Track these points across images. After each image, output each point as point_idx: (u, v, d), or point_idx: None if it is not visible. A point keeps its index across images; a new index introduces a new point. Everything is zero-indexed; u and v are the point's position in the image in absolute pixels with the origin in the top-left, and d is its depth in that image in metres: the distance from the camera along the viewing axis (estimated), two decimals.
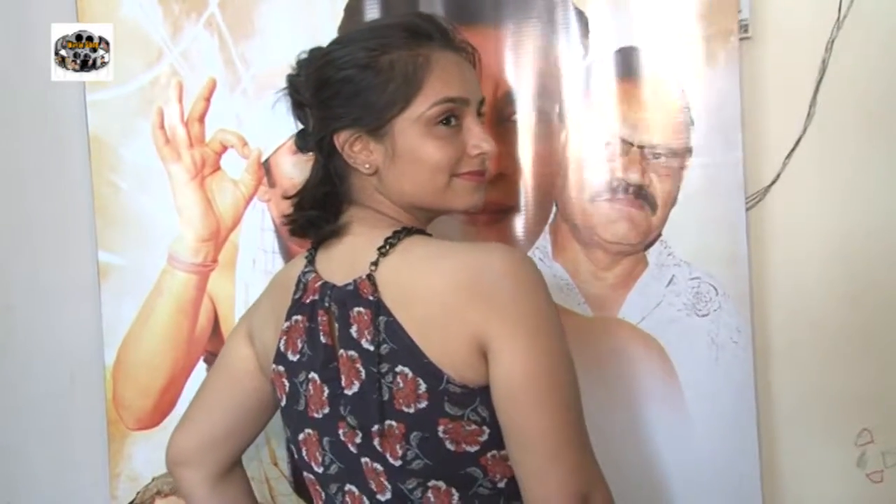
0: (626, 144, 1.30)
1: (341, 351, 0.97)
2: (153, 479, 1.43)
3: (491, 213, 1.34)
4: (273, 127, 1.37)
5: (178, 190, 1.42)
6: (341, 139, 1.01)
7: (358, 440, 0.97)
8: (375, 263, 0.97)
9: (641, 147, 1.30)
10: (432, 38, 1.02)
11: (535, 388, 0.89)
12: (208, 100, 1.41)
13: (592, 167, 1.32)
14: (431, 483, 0.94)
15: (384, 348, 0.94)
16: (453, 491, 0.94)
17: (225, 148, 1.41)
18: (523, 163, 1.33)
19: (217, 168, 1.41)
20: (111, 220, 1.44)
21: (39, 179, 1.50)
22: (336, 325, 0.98)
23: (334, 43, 1.06)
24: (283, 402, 1.05)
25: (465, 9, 1.32)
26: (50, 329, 1.51)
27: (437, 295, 0.92)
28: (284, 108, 1.38)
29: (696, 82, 1.28)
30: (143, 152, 1.42)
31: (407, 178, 1.00)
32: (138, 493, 1.44)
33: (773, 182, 1.32)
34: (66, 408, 1.51)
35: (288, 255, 1.40)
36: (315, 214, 1.04)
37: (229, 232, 1.42)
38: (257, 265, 1.41)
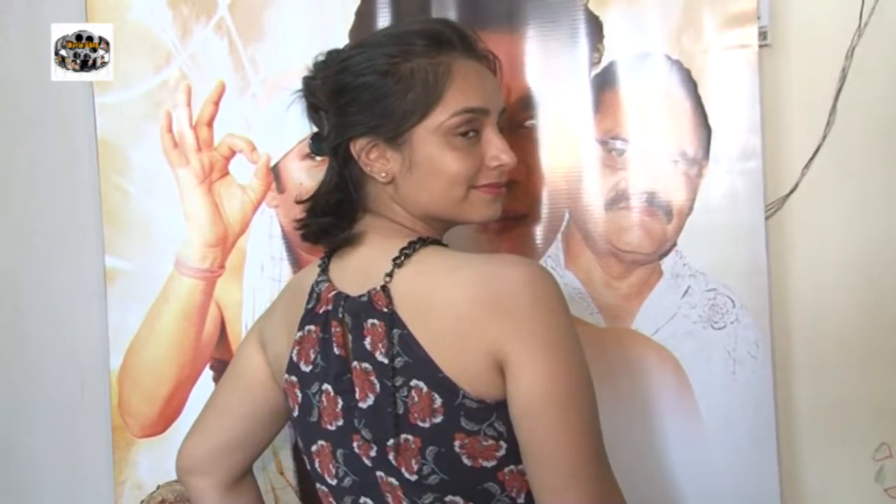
0: (641, 151, 1.28)
1: (355, 363, 0.95)
2: (158, 488, 1.41)
3: (503, 221, 1.31)
4: (282, 132, 1.37)
5: (186, 195, 1.40)
6: (357, 146, 0.99)
7: (373, 453, 0.95)
8: (390, 274, 0.95)
9: (657, 154, 1.27)
10: (454, 46, 0.99)
11: (554, 406, 0.87)
12: (217, 104, 1.39)
13: (606, 174, 1.29)
14: (448, 498, 0.92)
15: (398, 361, 0.92)
16: None
17: (233, 152, 1.39)
18: (536, 170, 1.31)
19: (225, 173, 1.40)
20: (119, 225, 1.42)
21: (48, 183, 1.49)
22: (350, 337, 0.97)
23: (354, 47, 1.04)
24: (296, 413, 1.04)
25: (478, 13, 1.30)
26: (57, 334, 1.49)
27: (453, 308, 0.90)
28: (293, 112, 1.37)
29: (714, 89, 1.26)
30: (151, 156, 1.41)
31: (424, 188, 0.99)
32: (143, 501, 1.42)
33: (792, 191, 1.30)
34: (74, 413, 1.50)
35: (296, 262, 1.38)
36: (328, 222, 1.02)
37: (237, 237, 1.40)
38: (265, 271, 1.39)
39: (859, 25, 1.25)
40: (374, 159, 0.99)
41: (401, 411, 0.92)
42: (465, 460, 0.91)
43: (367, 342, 0.94)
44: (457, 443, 0.91)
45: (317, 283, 1.02)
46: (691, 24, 1.26)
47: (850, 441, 1.31)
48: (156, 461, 1.42)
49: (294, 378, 1.03)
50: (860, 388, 1.30)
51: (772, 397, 1.26)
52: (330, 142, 1.02)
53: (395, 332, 0.92)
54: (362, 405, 0.95)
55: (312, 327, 1.00)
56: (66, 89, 1.45)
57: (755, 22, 1.24)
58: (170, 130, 1.40)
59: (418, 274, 0.94)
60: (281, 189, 1.38)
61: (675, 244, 1.28)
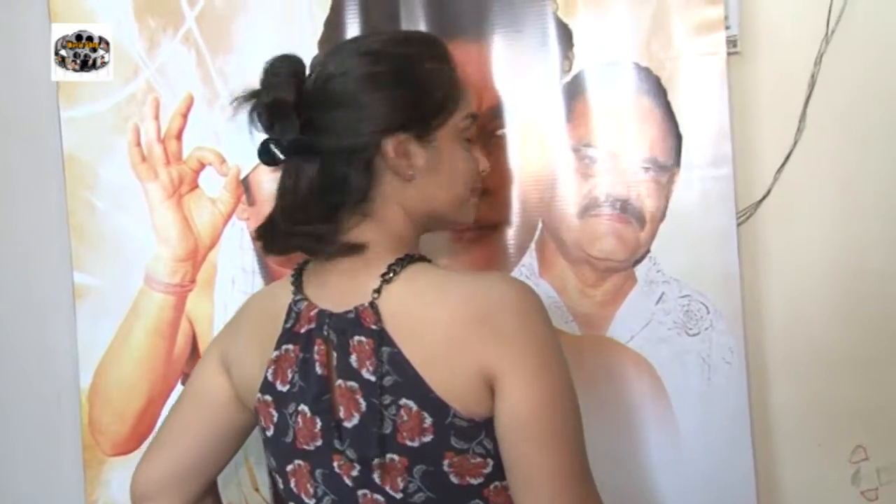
0: (613, 159, 1.28)
1: (340, 381, 0.93)
2: None
3: (477, 230, 1.30)
4: (251, 143, 1.35)
5: (155, 209, 1.38)
6: (393, 143, 0.96)
7: (355, 473, 0.93)
8: (378, 291, 0.93)
9: (628, 161, 1.27)
10: (449, 56, 1.03)
11: (541, 423, 0.88)
12: (185, 116, 1.37)
13: (578, 182, 1.29)
14: None
15: (387, 380, 0.90)
16: None
17: (203, 165, 1.38)
18: (508, 178, 1.30)
19: (195, 186, 1.38)
20: (87, 241, 1.40)
21: (14, 199, 1.47)
22: (334, 355, 0.94)
23: (362, 46, 1.02)
24: (271, 433, 1.00)
25: (447, 22, 1.30)
26: (26, 352, 1.47)
27: (443, 327, 0.90)
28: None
29: (684, 96, 1.26)
30: (119, 171, 1.39)
31: (443, 187, 1.00)
32: None
33: (764, 197, 1.30)
34: (45, 432, 1.48)
35: (268, 275, 1.37)
36: (326, 229, 0.96)
37: (207, 251, 1.38)
38: (236, 285, 1.38)
39: (826, 33, 1.26)
40: (404, 156, 0.97)
41: (388, 430, 0.90)
42: (453, 478, 0.91)
43: (353, 359, 0.92)
44: (446, 461, 0.90)
45: (294, 301, 0.99)
46: (660, 32, 1.26)
47: (826, 444, 1.31)
48: (128, 479, 1.34)
49: (269, 397, 0.99)
50: (835, 391, 1.30)
51: (747, 402, 1.26)
52: (345, 139, 0.95)
53: (385, 350, 0.91)
54: (346, 424, 0.93)
55: (291, 346, 0.97)
56: (31, 103, 1.44)
57: (723, 29, 1.24)
58: (138, 144, 1.38)
59: (408, 292, 0.93)
60: (251, 201, 1.37)
61: (648, 251, 1.28)
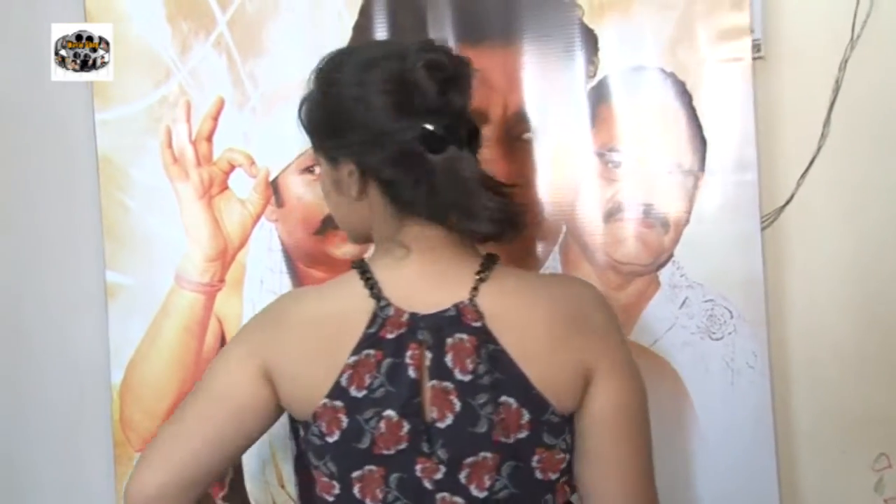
0: (637, 163, 1.29)
1: (433, 382, 0.93)
2: None
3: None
4: (281, 146, 1.37)
5: (186, 209, 1.41)
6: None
7: (439, 476, 0.93)
8: (476, 289, 0.95)
9: (653, 166, 1.28)
10: None
11: (629, 417, 0.96)
12: (216, 119, 1.40)
13: (603, 187, 1.30)
14: None
15: (487, 378, 0.92)
16: None
17: (233, 167, 1.40)
18: (532, 183, 1.31)
19: (225, 187, 1.41)
20: (119, 240, 1.43)
21: (49, 199, 1.49)
22: (428, 356, 0.93)
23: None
24: (334, 438, 0.95)
25: (474, 27, 1.31)
26: (59, 349, 1.50)
27: (545, 325, 0.94)
28: (292, 127, 1.37)
29: (709, 102, 1.27)
30: (151, 171, 1.41)
31: None
32: None
33: (788, 202, 1.30)
34: (76, 428, 1.50)
35: (296, 276, 1.39)
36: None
37: (237, 252, 1.41)
38: (265, 285, 1.40)
39: (852, 38, 1.26)
40: None
41: (483, 429, 0.92)
42: (538, 474, 0.94)
43: (449, 359, 0.93)
44: (535, 457, 0.94)
45: (381, 307, 0.95)
46: (685, 37, 1.27)
47: (849, 451, 1.31)
48: None
49: (339, 403, 0.95)
50: (859, 398, 1.30)
51: (770, 407, 1.27)
52: (465, 126, 0.96)
53: (488, 347, 0.93)
54: (439, 425, 0.93)
55: (373, 351, 0.94)
56: (66, 106, 1.46)
57: (749, 35, 1.25)
58: (169, 146, 1.41)
59: (502, 290, 0.96)
60: (280, 203, 1.39)
61: (672, 255, 1.29)
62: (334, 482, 0.96)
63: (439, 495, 0.94)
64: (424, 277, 0.97)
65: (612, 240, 1.30)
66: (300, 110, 1.02)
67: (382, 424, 0.93)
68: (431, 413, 0.93)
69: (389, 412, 0.93)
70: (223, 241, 1.41)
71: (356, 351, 0.94)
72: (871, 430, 1.30)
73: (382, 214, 0.98)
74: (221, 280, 1.41)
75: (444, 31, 1.31)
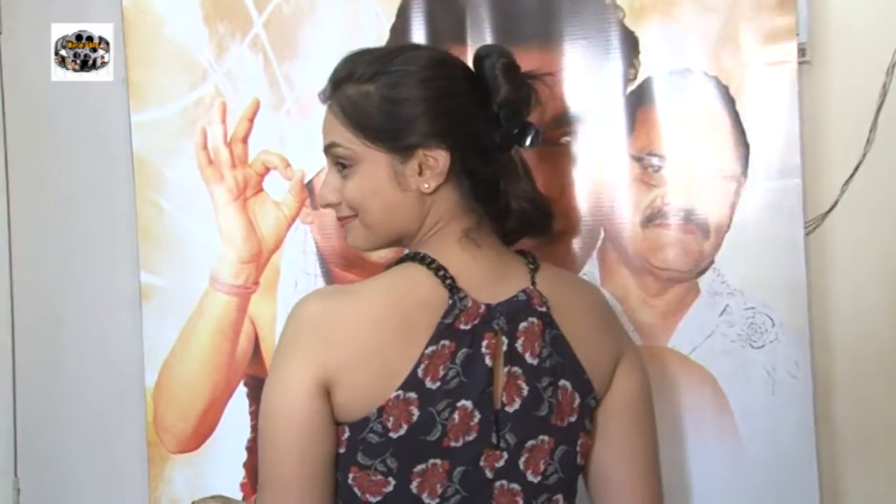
0: (678, 168, 1.27)
1: (506, 368, 0.96)
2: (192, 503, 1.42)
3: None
4: (316, 148, 1.35)
5: (221, 211, 1.41)
6: None
7: (500, 463, 0.95)
8: (533, 278, 1.00)
9: (694, 171, 1.26)
10: None
11: (648, 402, 1.05)
12: (252, 120, 1.39)
13: (642, 191, 1.28)
14: (555, 497, 0.99)
15: (549, 362, 0.96)
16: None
17: (268, 169, 1.40)
18: (571, 186, 1.30)
19: (259, 189, 1.40)
20: (154, 241, 1.43)
21: (84, 200, 1.50)
22: (504, 342, 0.96)
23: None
24: (401, 433, 0.92)
25: (513, 28, 1.30)
26: (93, 349, 1.51)
27: (592, 312, 1.03)
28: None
29: (753, 106, 1.24)
30: (186, 173, 1.41)
31: None
32: None
33: (832, 209, 1.28)
34: (109, 429, 1.51)
35: (330, 278, 1.38)
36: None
37: (271, 254, 1.40)
38: (299, 287, 1.39)
39: None
40: None
41: (544, 413, 0.96)
42: (579, 459, 1.00)
43: (519, 344, 0.96)
44: (579, 442, 0.99)
45: (459, 298, 0.95)
46: (730, 41, 1.24)
47: (892, 463, 1.28)
48: (191, 476, 1.42)
49: (413, 395, 0.93)
50: None
51: (812, 419, 1.24)
52: (532, 128, 1.01)
53: (550, 332, 0.97)
54: (508, 409, 0.95)
55: (447, 342, 0.94)
56: (102, 107, 1.47)
57: (794, 38, 1.23)
58: (205, 147, 1.41)
59: (553, 280, 1.01)
60: (315, 206, 1.38)
61: (712, 262, 1.27)
62: (390, 479, 0.93)
63: (497, 483, 0.96)
64: (494, 269, 0.99)
65: (651, 245, 1.28)
66: (348, 107, 0.99)
67: (456, 415, 0.93)
68: (502, 398, 0.95)
69: (464, 402, 0.94)
70: (257, 243, 1.40)
71: (433, 341, 0.93)
72: None
73: (452, 208, 0.99)
74: (256, 282, 1.40)
75: (482, 33, 1.30)
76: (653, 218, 1.28)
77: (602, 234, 1.30)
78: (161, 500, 1.44)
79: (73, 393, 1.52)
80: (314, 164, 1.37)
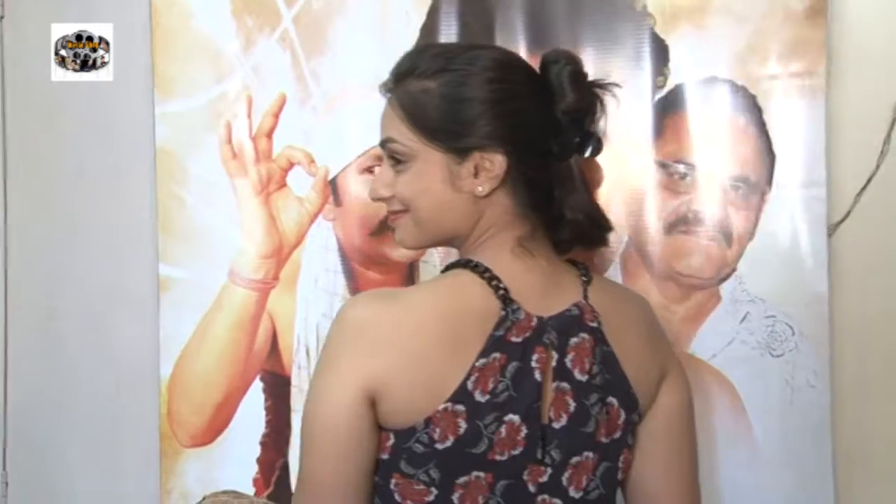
0: (704, 176, 1.28)
1: (555, 383, 0.93)
2: (204, 498, 1.39)
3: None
4: (341, 145, 1.37)
5: (243, 205, 1.40)
6: None
7: (544, 479, 0.93)
8: (586, 291, 0.98)
9: (719, 179, 1.27)
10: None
11: (691, 418, 1.04)
12: (277, 116, 1.39)
13: (667, 198, 1.29)
14: None
15: (598, 379, 0.95)
16: None
17: (292, 165, 1.40)
18: (596, 191, 1.30)
19: (283, 185, 1.40)
20: (174, 233, 1.43)
21: (104, 190, 1.49)
22: (554, 356, 0.93)
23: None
24: (447, 444, 0.90)
25: (543, 34, 1.31)
26: (108, 340, 1.50)
27: (638, 326, 1.01)
28: (353, 126, 1.38)
29: (779, 116, 1.26)
30: (209, 166, 1.41)
31: None
32: None
33: (843, 219, 1.29)
34: (123, 421, 1.50)
35: (351, 276, 1.38)
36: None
37: (292, 250, 1.40)
38: (319, 284, 1.39)
39: None
40: None
41: (590, 429, 0.94)
42: (619, 475, 0.99)
43: (569, 360, 0.94)
44: (622, 458, 0.98)
45: (513, 310, 0.93)
46: (758, 50, 1.26)
47: None
48: (203, 471, 1.42)
49: (461, 407, 0.91)
50: None
51: (829, 426, 1.25)
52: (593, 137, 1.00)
53: (601, 348, 0.95)
54: (555, 425, 0.93)
55: (498, 355, 0.92)
56: (125, 97, 1.46)
57: (823, 50, 1.24)
58: (229, 141, 1.40)
59: (605, 294, 0.99)
60: (338, 202, 1.38)
61: (734, 270, 1.28)
62: (432, 489, 0.92)
63: (539, 497, 0.94)
64: (546, 280, 0.97)
65: (674, 251, 1.29)
66: (407, 102, 0.97)
67: (503, 429, 0.91)
68: (549, 414, 0.94)
69: (512, 416, 0.91)
70: (279, 238, 1.40)
71: (484, 353, 0.91)
72: None
73: (505, 214, 0.96)
74: (276, 277, 1.40)
75: (512, 36, 1.31)
76: (677, 224, 1.29)
77: (626, 239, 1.31)
78: (173, 493, 1.43)
79: (86, 383, 1.50)
80: (339, 160, 1.38)
